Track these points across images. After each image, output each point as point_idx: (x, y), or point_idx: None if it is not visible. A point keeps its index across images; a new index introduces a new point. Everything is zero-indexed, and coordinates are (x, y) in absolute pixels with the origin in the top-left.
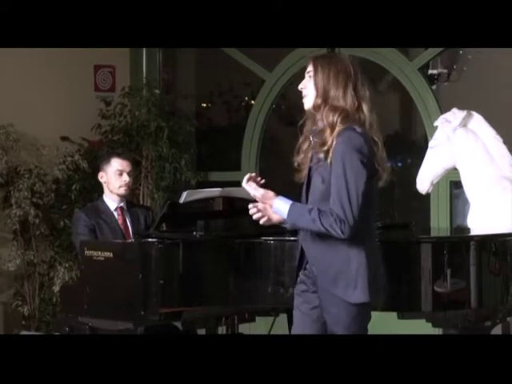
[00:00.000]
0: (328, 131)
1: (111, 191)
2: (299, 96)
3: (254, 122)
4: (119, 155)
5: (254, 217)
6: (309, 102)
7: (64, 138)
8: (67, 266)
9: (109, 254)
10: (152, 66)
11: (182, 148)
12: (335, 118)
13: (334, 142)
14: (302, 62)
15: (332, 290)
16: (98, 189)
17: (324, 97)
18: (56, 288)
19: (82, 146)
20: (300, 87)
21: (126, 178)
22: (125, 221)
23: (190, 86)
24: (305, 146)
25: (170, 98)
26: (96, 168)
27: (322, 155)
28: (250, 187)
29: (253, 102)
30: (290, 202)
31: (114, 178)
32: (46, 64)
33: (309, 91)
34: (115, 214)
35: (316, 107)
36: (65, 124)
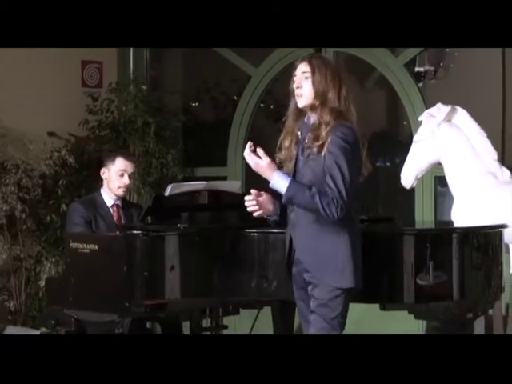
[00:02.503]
0: (323, 127)
1: (110, 189)
2: (285, 92)
3: (240, 118)
4: (124, 155)
5: (249, 209)
6: (305, 101)
7: (51, 134)
8: (54, 260)
9: (94, 247)
10: (139, 62)
11: (168, 144)
12: (331, 118)
13: (330, 137)
14: (288, 58)
15: (319, 275)
16: (85, 184)
17: (322, 98)
18: (42, 283)
19: (69, 142)
20: (295, 86)
21: (126, 180)
22: (120, 218)
23: (177, 82)
24: (286, 143)
25: (157, 94)
26: (84, 164)
27: (315, 149)
28: (252, 157)
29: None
30: (290, 178)
31: (116, 177)
32: (34, 59)
33: (305, 91)
34: (111, 210)
35: (312, 107)
36: (52, 119)
